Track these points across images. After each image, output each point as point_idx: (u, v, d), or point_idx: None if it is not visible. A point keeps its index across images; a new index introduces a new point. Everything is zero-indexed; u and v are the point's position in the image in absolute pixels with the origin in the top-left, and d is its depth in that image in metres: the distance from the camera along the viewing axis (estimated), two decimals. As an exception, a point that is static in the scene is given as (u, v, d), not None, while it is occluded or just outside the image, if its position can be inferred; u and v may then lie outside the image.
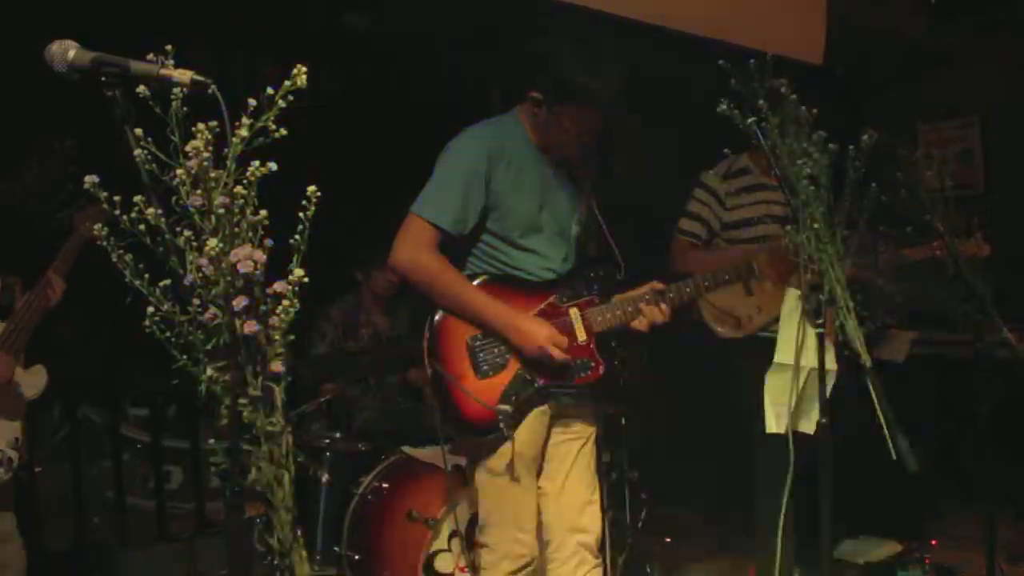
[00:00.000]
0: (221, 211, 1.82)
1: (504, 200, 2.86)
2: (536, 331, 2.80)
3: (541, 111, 2.87)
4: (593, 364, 2.92)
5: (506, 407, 2.79)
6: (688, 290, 3.04)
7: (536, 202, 2.91)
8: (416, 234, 2.80)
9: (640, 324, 2.94)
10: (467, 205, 2.81)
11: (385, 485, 3.97)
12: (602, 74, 2.79)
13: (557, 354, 2.80)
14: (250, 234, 1.86)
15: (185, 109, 1.84)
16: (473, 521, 3.74)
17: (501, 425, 2.78)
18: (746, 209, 3.89)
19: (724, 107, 2.65)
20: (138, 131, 1.82)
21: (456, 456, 3.50)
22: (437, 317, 2.84)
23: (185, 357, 1.89)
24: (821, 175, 2.64)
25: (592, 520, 3.02)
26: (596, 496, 3.06)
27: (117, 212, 1.83)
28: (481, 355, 2.83)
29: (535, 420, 2.89)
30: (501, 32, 4.38)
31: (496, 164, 2.84)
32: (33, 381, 3.38)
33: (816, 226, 2.62)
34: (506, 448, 2.82)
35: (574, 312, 2.92)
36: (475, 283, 2.87)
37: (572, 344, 2.88)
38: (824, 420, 2.69)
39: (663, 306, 2.94)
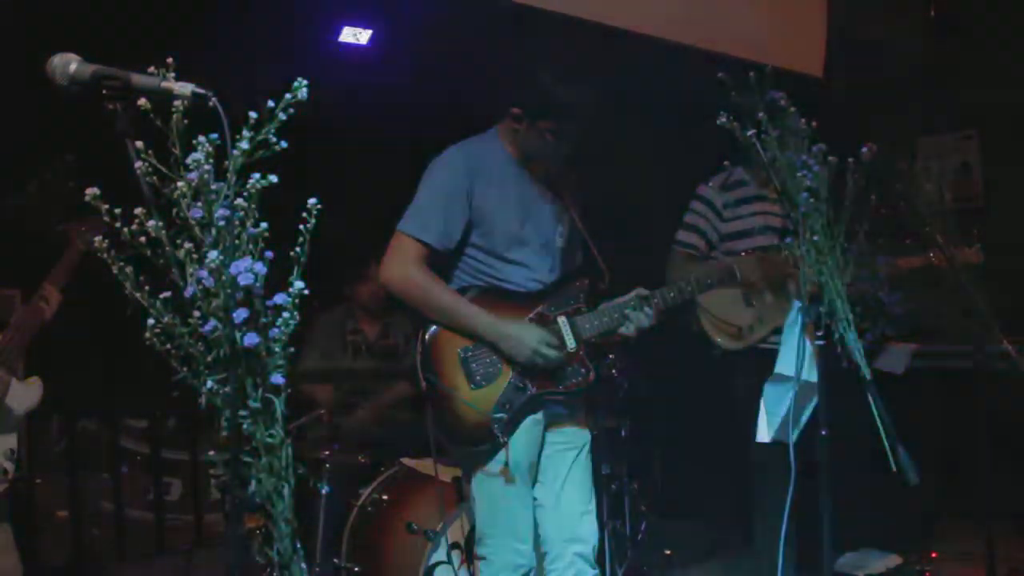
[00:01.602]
0: (221, 223, 1.82)
1: (487, 215, 2.93)
2: (526, 335, 2.87)
3: (521, 125, 2.94)
4: (584, 370, 2.97)
5: (501, 415, 2.84)
6: (672, 295, 3.08)
7: (519, 216, 2.97)
8: (403, 251, 2.88)
9: (628, 330, 2.99)
10: (451, 220, 2.89)
11: (385, 497, 3.97)
12: (578, 88, 2.86)
13: (550, 353, 2.86)
14: (250, 246, 1.87)
15: (186, 121, 1.84)
16: (473, 533, 3.74)
17: (496, 433, 2.82)
18: (744, 221, 3.90)
19: (724, 120, 2.66)
20: (139, 144, 1.83)
21: (454, 468, 3.51)
22: (430, 331, 2.90)
23: (185, 369, 1.89)
24: (820, 188, 2.65)
25: (589, 530, 3.03)
26: (592, 506, 3.08)
27: (118, 225, 1.83)
28: (474, 366, 2.89)
29: (530, 428, 2.93)
30: (482, 49, 4.39)
31: (477, 179, 2.92)
32: (29, 392, 3.38)
33: (815, 239, 2.63)
34: (502, 457, 2.86)
35: (562, 320, 2.97)
36: (465, 296, 2.93)
37: (562, 351, 2.92)
38: (824, 432, 2.69)
39: (647, 310, 2.99)
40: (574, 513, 3.02)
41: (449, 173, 2.93)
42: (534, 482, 3.00)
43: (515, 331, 2.87)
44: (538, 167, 3.02)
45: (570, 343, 2.95)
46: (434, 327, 2.89)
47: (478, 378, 2.88)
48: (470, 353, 2.88)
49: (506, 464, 2.85)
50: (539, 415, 2.95)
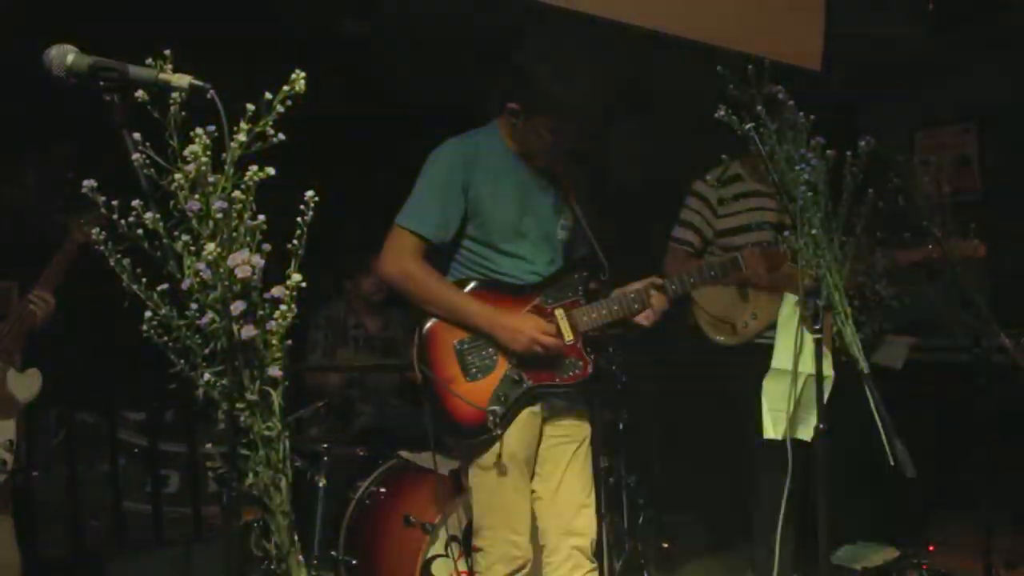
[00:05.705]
0: (219, 216, 1.82)
1: (483, 207, 2.94)
2: (522, 325, 2.88)
3: (518, 121, 2.94)
4: (581, 363, 2.97)
5: (496, 407, 2.85)
6: (691, 280, 3.10)
7: (516, 208, 2.98)
8: (400, 244, 2.90)
9: (645, 318, 3.00)
10: (446, 213, 2.91)
11: (382, 489, 3.97)
12: (574, 85, 2.86)
13: (548, 340, 2.86)
14: (248, 239, 1.86)
15: (183, 113, 1.84)
16: (470, 526, 3.75)
17: (491, 426, 2.83)
18: (739, 216, 3.89)
19: (722, 113, 2.66)
20: (136, 135, 1.83)
21: (452, 461, 3.51)
22: (427, 324, 2.92)
23: (183, 361, 1.89)
24: (818, 181, 2.65)
25: (587, 523, 3.03)
26: (591, 499, 3.07)
27: (115, 216, 1.83)
28: (470, 358, 2.90)
29: (527, 421, 2.93)
30: (483, 45, 4.37)
31: (472, 171, 2.93)
32: (28, 384, 3.38)
33: (813, 232, 2.63)
34: (497, 448, 2.88)
35: (559, 313, 2.98)
36: (464, 290, 2.94)
37: (560, 343, 2.93)
38: (821, 426, 2.69)
39: (663, 296, 3.01)
40: (572, 506, 3.02)
41: (446, 165, 2.95)
42: (532, 475, 3.01)
43: (512, 321, 2.88)
44: (538, 160, 3.02)
45: (567, 335, 2.95)
46: (431, 320, 2.91)
47: (473, 370, 2.89)
48: (466, 346, 2.90)
49: (500, 456, 2.86)
50: (537, 408, 2.96)
